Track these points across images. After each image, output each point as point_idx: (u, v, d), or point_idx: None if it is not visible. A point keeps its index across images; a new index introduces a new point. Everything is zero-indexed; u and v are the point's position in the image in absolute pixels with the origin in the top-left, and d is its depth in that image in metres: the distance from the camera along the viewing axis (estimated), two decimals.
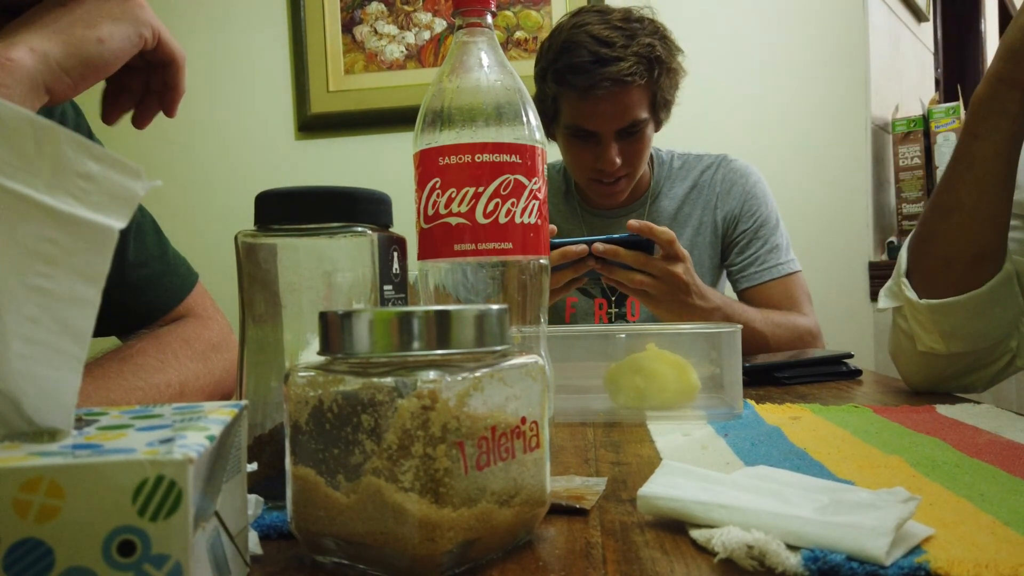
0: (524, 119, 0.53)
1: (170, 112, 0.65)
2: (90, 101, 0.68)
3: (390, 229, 0.47)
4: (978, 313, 0.77)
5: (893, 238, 1.94)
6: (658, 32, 1.25)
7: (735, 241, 1.36)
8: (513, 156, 0.52)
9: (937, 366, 0.80)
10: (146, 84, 0.64)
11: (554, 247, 1.01)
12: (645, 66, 1.21)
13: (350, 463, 0.33)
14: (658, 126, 1.32)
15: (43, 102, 0.54)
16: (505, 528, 0.34)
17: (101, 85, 0.64)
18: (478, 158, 0.51)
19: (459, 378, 0.32)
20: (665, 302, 1.06)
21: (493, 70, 0.54)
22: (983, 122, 0.75)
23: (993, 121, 0.74)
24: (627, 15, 1.24)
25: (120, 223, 0.28)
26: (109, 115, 0.65)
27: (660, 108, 1.29)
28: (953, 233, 0.78)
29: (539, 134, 0.54)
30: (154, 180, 0.29)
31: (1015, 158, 0.75)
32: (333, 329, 0.35)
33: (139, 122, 0.66)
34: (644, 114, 1.26)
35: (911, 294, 0.80)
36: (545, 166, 0.55)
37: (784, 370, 0.91)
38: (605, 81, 1.19)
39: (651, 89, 1.25)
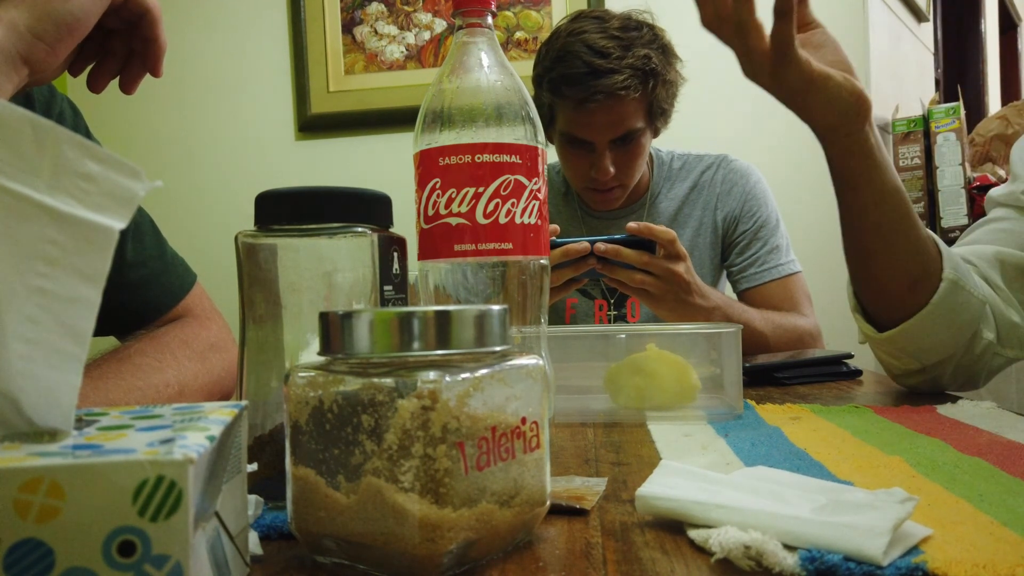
0: (524, 119, 0.53)
1: (155, 70, 0.63)
2: (88, 98, 0.68)
3: (390, 229, 0.47)
4: (936, 324, 0.76)
5: None
6: (656, 41, 1.24)
7: (735, 242, 1.36)
8: (513, 156, 0.52)
9: (922, 378, 0.81)
10: (128, 47, 0.62)
11: (555, 246, 1.01)
12: (640, 79, 1.20)
13: (350, 463, 0.33)
14: (656, 133, 1.32)
15: (22, 75, 0.52)
16: (505, 528, 0.34)
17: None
18: (478, 158, 0.51)
19: (459, 378, 0.32)
20: (666, 301, 1.06)
21: (493, 70, 0.54)
22: (836, 188, 0.77)
23: (839, 178, 0.76)
24: (625, 23, 1.23)
25: (120, 223, 0.28)
26: (95, 82, 0.63)
27: (656, 118, 1.28)
28: (876, 275, 0.79)
29: (539, 134, 0.54)
30: (154, 181, 0.29)
31: (894, 198, 0.75)
32: (333, 329, 0.35)
33: (126, 86, 0.64)
34: (639, 124, 1.25)
35: (868, 328, 0.81)
36: (545, 167, 0.55)
37: (784, 370, 0.91)
38: (598, 94, 1.19)
39: (646, 100, 1.24)
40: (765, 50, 0.70)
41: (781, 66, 0.70)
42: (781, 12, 0.67)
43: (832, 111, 0.73)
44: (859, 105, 0.73)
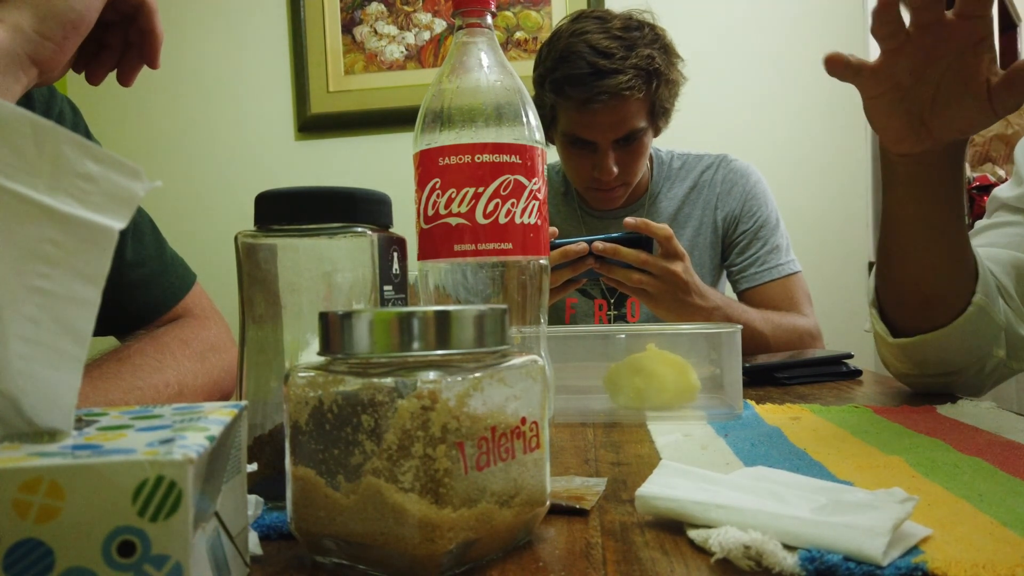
0: (524, 119, 0.53)
1: (152, 62, 0.63)
2: (88, 99, 0.68)
3: (390, 229, 0.47)
4: (950, 344, 0.75)
5: None
6: (658, 41, 1.24)
7: (735, 241, 1.36)
8: (513, 156, 0.52)
9: (917, 380, 0.81)
10: (126, 39, 0.63)
11: (554, 247, 1.01)
12: (643, 79, 1.21)
13: (350, 463, 0.33)
14: (656, 132, 1.32)
15: (32, 75, 0.53)
16: (505, 528, 0.34)
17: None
18: (478, 158, 0.51)
19: (459, 378, 0.32)
20: (665, 301, 1.06)
21: (493, 70, 0.54)
22: (891, 191, 0.72)
23: (901, 190, 0.71)
24: (627, 23, 1.23)
25: (120, 223, 0.28)
26: (94, 75, 0.64)
27: (659, 117, 1.29)
28: (897, 278, 0.77)
29: (539, 134, 0.54)
30: (154, 181, 0.29)
31: (941, 215, 0.70)
32: (333, 329, 0.35)
33: (124, 78, 0.65)
34: (642, 123, 1.25)
35: (880, 327, 0.79)
36: (545, 167, 0.55)
37: (784, 370, 0.91)
38: (602, 94, 1.19)
39: (649, 100, 1.25)
40: (992, 80, 0.61)
41: (1003, 91, 0.61)
42: None
43: (933, 146, 0.66)
44: (947, 164, 0.68)
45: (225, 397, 0.80)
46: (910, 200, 0.71)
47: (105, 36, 0.62)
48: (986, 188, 1.86)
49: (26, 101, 0.74)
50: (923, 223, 0.72)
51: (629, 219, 1.03)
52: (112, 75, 0.65)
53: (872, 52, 0.65)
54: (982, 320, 0.74)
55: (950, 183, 0.70)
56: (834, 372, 0.94)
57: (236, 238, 0.46)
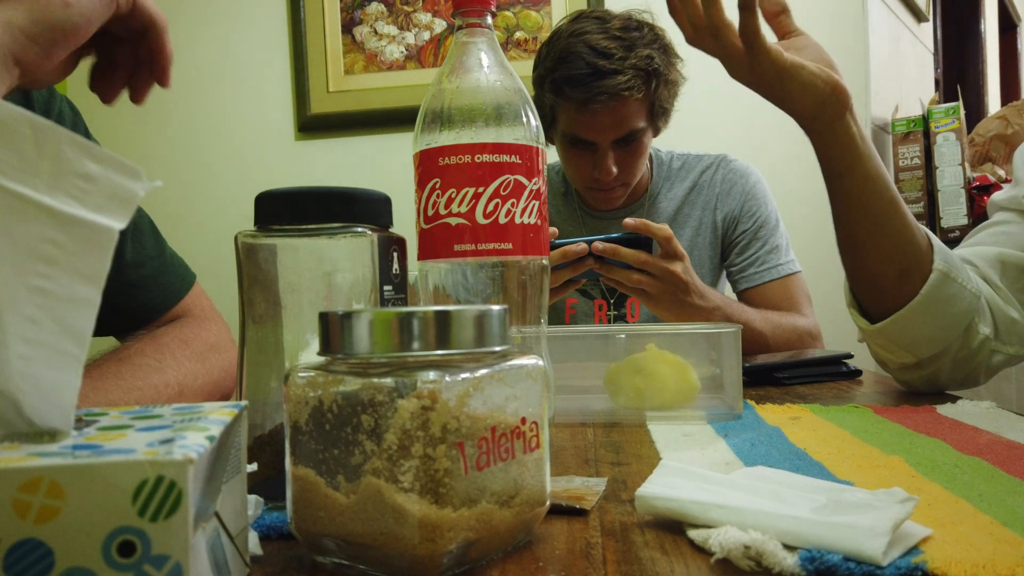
0: (524, 119, 0.53)
1: (163, 81, 0.64)
2: (88, 99, 0.68)
3: (390, 229, 0.47)
4: (928, 316, 0.77)
5: None
6: (657, 41, 1.24)
7: (735, 242, 1.36)
8: (513, 156, 0.52)
9: (919, 374, 0.81)
10: (136, 57, 0.63)
11: (553, 247, 1.01)
12: (643, 79, 1.21)
13: (350, 463, 0.33)
14: (656, 132, 1.32)
15: (13, 76, 0.52)
16: (505, 528, 0.34)
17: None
18: (478, 158, 0.51)
19: (459, 378, 0.32)
20: (664, 301, 1.06)
21: (493, 70, 0.54)
22: (828, 178, 0.79)
23: (837, 164, 0.77)
24: (627, 23, 1.23)
25: (120, 223, 0.28)
26: (105, 94, 0.64)
27: (658, 117, 1.29)
28: (866, 264, 0.80)
29: (539, 134, 0.54)
30: (154, 181, 0.29)
31: (878, 184, 0.77)
32: (333, 329, 0.35)
33: (135, 96, 0.65)
34: (642, 123, 1.25)
35: (862, 322, 0.82)
36: (545, 166, 0.55)
37: (784, 370, 0.91)
38: (602, 95, 1.19)
39: (649, 100, 1.25)
40: (739, 46, 0.74)
41: (753, 57, 0.73)
42: (744, 5, 0.72)
43: (808, 99, 0.76)
44: (836, 94, 0.76)
45: (225, 397, 0.80)
46: (836, 177, 0.78)
47: (113, 54, 0.62)
48: (985, 188, 1.86)
49: (25, 101, 0.74)
50: (859, 196, 0.78)
51: (629, 220, 1.03)
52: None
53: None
54: (949, 285, 0.77)
55: (854, 147, 0.77)
56: (834, 372, 0.94)
57: (236, 238, 0.46)
